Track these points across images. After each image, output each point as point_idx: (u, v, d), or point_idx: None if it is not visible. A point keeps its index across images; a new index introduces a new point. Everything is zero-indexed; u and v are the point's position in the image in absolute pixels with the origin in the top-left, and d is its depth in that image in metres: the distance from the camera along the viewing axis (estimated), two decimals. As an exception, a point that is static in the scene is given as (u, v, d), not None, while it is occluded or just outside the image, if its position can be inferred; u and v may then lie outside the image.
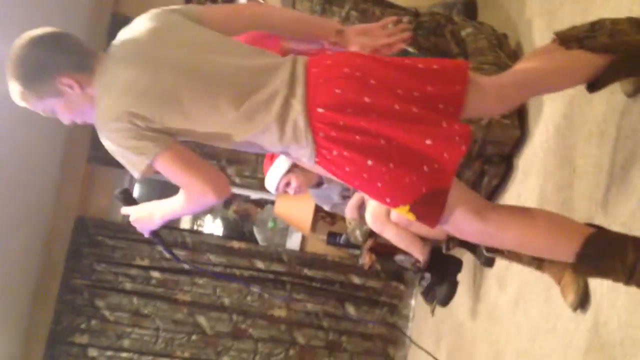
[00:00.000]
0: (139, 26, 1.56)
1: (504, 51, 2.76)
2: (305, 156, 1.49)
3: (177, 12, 1.58)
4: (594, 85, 1.53)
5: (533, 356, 2.14)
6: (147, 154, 1.44)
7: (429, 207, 1.45)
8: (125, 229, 4.17)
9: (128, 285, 4.12)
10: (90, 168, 4.17)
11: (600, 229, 1.52)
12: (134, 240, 4.14)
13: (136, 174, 1.48)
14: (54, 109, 1.54)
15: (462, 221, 1.48)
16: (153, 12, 1.58)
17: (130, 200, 1.77)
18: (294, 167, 2.87)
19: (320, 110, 1.43)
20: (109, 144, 1.47)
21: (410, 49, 2.32)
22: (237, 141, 1.50)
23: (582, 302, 1.81)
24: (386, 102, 1.42)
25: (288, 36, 2.07)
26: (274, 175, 2.94)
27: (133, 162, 1.46)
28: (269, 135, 1.47)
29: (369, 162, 1.42)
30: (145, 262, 4.13)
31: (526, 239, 1.51)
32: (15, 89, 1.50)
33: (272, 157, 2.87)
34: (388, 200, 1.47)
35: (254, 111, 1.45)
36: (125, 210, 1.74)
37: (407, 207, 1.46)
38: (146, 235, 1.73)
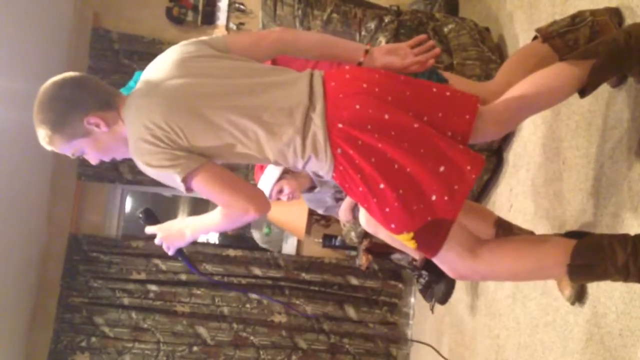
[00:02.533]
0: (164, 59, 1.58)
1: (486, 45, 2.76)
2: (323, 170, 1.50)
3: (203, 43, 1.59)
4: (584, 91, 1.55)
5: (534, 349, 2.14)
6: (180, 172, 1.45)
7: (432, 236, 1.46)
8: (120, 244, 4.15)
9: (126, 300, 4.09)
10: (80, 184, 4.15)
11: (583, 237, 1.52)
12: (129, 255, 4.12)
13: (183, 191, 1.50)
14: (83, 150, 1.56)
15: (455, 258, 1.50)
16: (180, 44, 1.60)
17: (153, 219, 1.76)
18: (285, 174, 2.86)
19: (340, 125, 1.44)
20: (149, 170, 1.48)
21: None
22: (267, 158, 1.51)
23: (579, 295, 1.81)
24: (405, 120, 1.43)
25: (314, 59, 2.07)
26: (266, 183, 2.93)
27: (173, 182, 1.48)
28: (293, 148, 1.48)
29: (381, 186, 1.43)
30: (142, 276, 4.11)
31: (516, 268, 1.53)
32: (42, 134, 1.52)
33: (262, 166, 2.85)
34: (393, 226, 1.48)
35: (277, 125, 1.47)
36: (150, 229, 1.72)
37: (410, 235, 1.48)
38: (171, 253, 1.71)
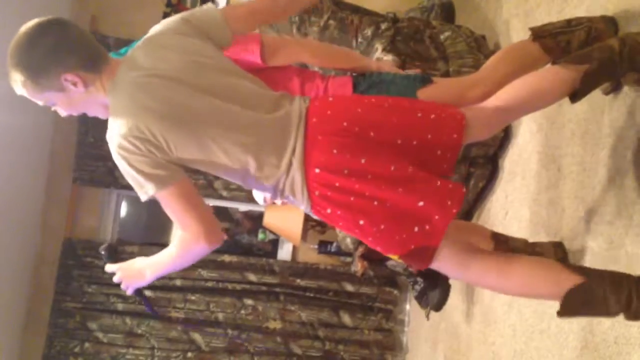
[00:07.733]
0: (168, 41, 1.52)
1: (482, 53, 2.77)
2: (302, 206, 1.53)
3: (206, 37, 1.57)
4: (575, 96, 1.56)
5: (529, 357, 2.14)
6: (156, 183, 1.43)
7: (419, 258, 1.48)
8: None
9: (120, 306, 4.07)
10: (75, 189, 4.13)
11: (578, 285, 1.44)
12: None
13: (143, 198, 1.47)
14: (53, 102, 1.50)
15: (446, 268, 1.53)
16: (184, 25, 1.55)
17: (114, 257, 1.72)
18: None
19: (317, 170, 1.45)
20: (122, 163, 1.43)
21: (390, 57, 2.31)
22: (249, 184, 1.53)
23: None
24: (382, 162, 1.44)
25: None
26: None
27: (142, 186, 1.44)
28: (274, 187, 1.50)
29: (361, 222, 1.46)
30: (137, 281, 4.08)
31: (502, 286, 1.55)
32: (16, 78, 1.44)
33: None
34: (379, 248, 1.51)
35: (267, 165, 1.47)
36: (110, 267, 1.68)
37: (397, 256, 1.51)
38: (129, 292, 1.66)
